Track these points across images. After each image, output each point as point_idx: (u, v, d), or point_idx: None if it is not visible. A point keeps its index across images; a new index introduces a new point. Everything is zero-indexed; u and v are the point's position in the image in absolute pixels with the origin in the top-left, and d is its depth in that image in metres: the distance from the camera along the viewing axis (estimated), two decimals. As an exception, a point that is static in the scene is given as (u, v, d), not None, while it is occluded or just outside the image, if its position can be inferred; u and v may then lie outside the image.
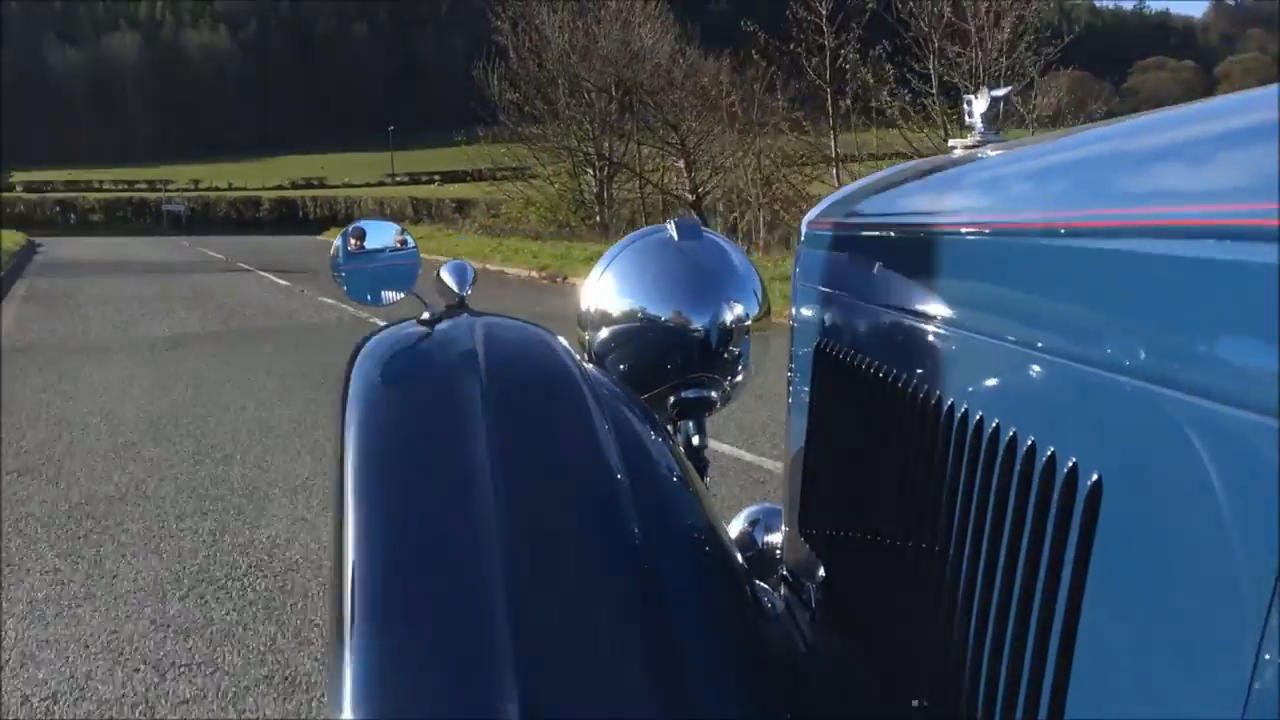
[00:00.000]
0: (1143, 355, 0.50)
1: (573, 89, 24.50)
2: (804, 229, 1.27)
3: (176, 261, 24.02)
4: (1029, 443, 0.62)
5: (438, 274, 1.24)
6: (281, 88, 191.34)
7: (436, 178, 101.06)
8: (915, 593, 0.81)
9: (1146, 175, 0.59)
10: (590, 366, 1.14)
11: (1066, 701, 0.57)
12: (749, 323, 1.51)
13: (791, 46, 18.32)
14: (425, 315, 1.14)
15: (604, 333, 1.50)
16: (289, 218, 47.36)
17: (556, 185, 25.99)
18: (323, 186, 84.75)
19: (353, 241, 1.23)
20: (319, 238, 32.89)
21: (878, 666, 0.92)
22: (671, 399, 1.50)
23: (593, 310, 1.52)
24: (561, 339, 1.14)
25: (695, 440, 1.48)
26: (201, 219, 45.29)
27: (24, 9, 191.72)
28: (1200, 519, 0.45)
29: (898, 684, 0.85)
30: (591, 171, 25.35)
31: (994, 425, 0.68)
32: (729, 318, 1.49)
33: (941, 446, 0.77)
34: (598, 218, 24.75)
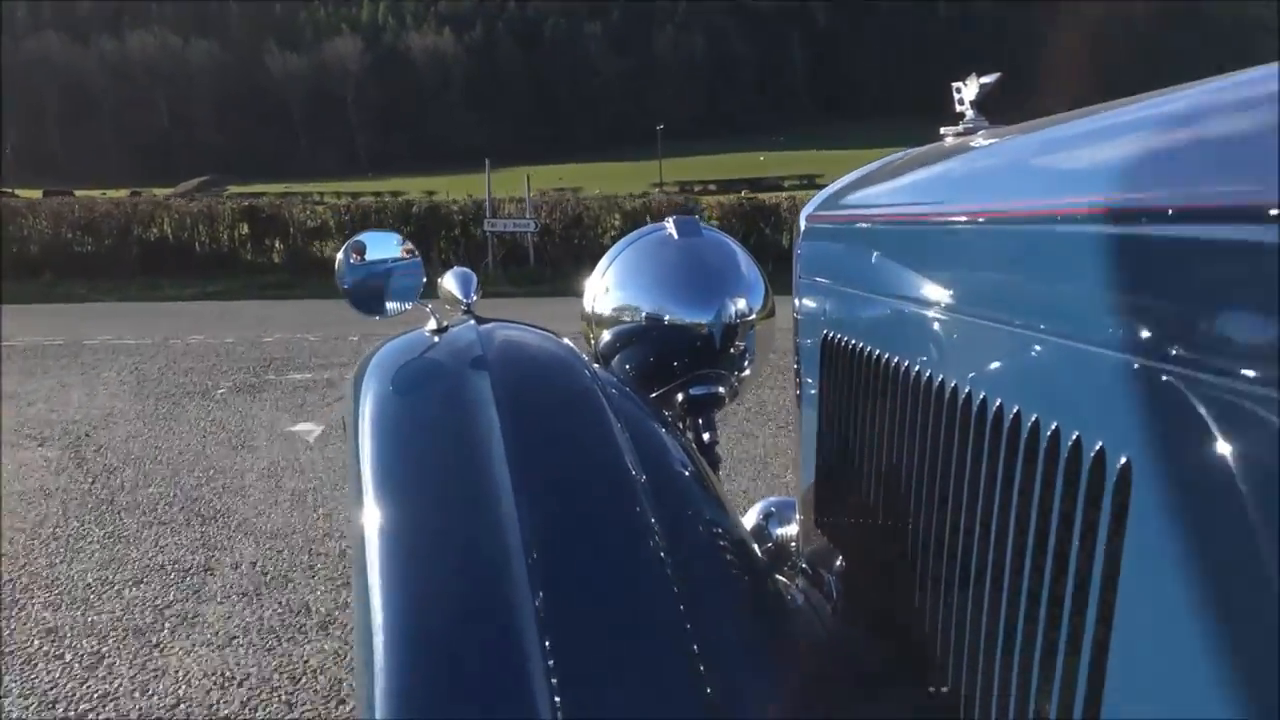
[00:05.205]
0: (1148, 336, 0.50)
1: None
2: (803, 223, 1.28)
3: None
4: (1051, 427, 0.61)
5: (440, 283, 1.25)
6: (509, 93, 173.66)
7: (713, 186, 79.50)
8: (935, 581, 0.82)
9: (1143, 160, 0.57)
10: (598, 367, 1.14)
11: (1103, 688, 0.54)
12: (753, 317, 1.49)
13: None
14: (432, 325, 1.14)
15: (609, 333, 1.50)
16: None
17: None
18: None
19: (354, 255, 1.21)
20: None
21: (899, 655, 0.92)
22: (680, 396, 1.48)
23: (597, 311, 1.51)
24: (568, 342, 1.15)
25: (706, 436, 1.47)
26: (561, 248, 15.56)
27: (245, 13, 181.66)
28: (1230, 499, 0.44)
29: (919, 672, 0.85)
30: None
31: (1012, 410, 0.67)
32: (732, 312, 1.47)
33: (955, 432, 0.77)
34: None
